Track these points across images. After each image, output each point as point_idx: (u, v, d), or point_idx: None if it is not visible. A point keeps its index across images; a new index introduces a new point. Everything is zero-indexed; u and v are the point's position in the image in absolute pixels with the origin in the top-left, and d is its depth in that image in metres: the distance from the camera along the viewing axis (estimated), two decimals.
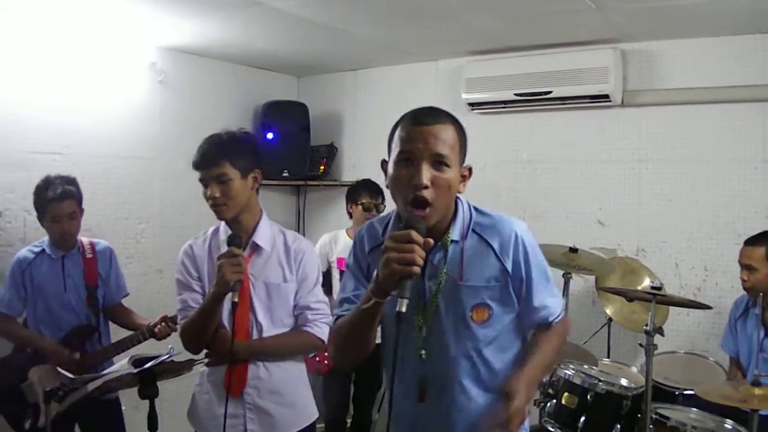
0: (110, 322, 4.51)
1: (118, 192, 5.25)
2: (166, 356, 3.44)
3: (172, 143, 5.64)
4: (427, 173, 2.16)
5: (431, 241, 2.07)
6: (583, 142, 5.50)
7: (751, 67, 4.82)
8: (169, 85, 5.61)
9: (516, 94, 5.46)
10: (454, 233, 2.35)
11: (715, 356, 4.60)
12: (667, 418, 3.81)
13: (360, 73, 6.62)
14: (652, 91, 5.19)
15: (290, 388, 3.30)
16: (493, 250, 2.35)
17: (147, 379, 3.45)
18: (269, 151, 6.26)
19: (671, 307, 4.61)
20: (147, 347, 4.18)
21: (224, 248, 3.16)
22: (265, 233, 3.27)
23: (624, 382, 4.16)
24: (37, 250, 4.27)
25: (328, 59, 6.16)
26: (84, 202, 4.29)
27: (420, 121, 2.23)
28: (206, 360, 3.34)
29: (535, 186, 5.72)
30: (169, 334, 4.28)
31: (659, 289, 4.14)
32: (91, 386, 3.66)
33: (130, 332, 4.35)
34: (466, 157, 2.36)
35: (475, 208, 2.44)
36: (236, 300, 2.91)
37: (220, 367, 3.22)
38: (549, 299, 2.45)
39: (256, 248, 3.24)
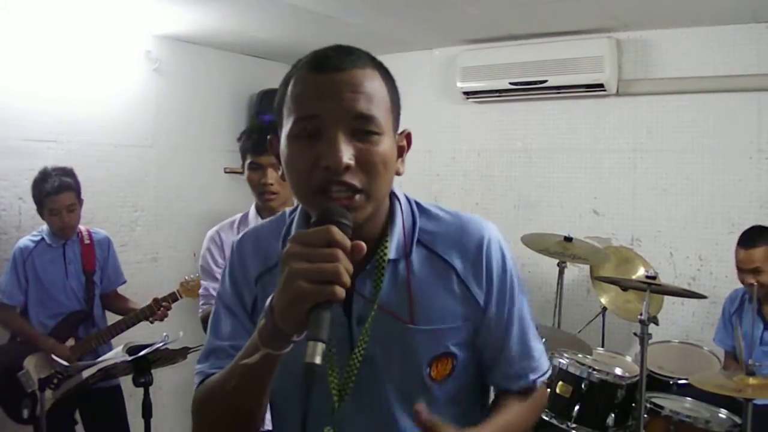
0: (106, 310, 4.55)
1: (112, 180, 5.23)
2: (161, 344, 3.46)
3: (167, 131, 5.62)
4: (346, 147, 1.37)
5: (363, 245, 1.28)
6: (578, 132, 5.50)
7: (746, 56, 4.82)
8: (164, 73, 5.58)
9: (511, 83, 5.45)
10: (391, 247, 1.55)
11: (709, 346, 4.62)
12: (662, 407, 3.82)
13: None
14: (648, 80, 5.18)
15: None
16: (456, 272, 1.58)
17: (142, 367, 3.47)
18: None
19: (666, 297, 4.62)
20: (142, 336, 4.18)
21: None
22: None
23: (618, 371, 4.17)
24: (36, 239, 4.29)
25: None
26: None
27: (326, 67, 1.44)
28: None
29: (530, 175, 5.72)
30: (165, 316, 4.30)
31: (654, 278, 4.15)
32: (86, 374, 3.68)
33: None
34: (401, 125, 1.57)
35: (418, 205, 1.65)
36: None
37: None
38: (534, 343, 1.71)
39: None
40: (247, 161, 3.20)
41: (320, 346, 1.16)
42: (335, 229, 1.24)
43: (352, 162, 1.37)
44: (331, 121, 1.38)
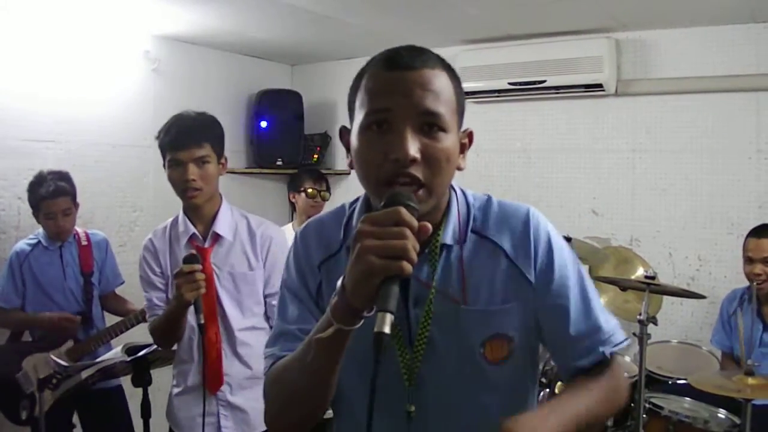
0: (105, 311, 4.55)
1: (111, 180, 5.24)
2: None
3: None
4: (413, 141, 1.45)
5: (429, 226, 1.34)
6: (577, 132, 5.50)
7: (744, 56, 4.82)
8: (163, 73, 5.59)
9: (510, 83, 5.45)
10: (446, 235, 1.62)
11: (708, 346, 4.62)
12: (661, 407, 3.82)
13: (354, 61, 6.52)
14: (646, 80, 5.18)
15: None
16: (505, 253, 1.63)
17: (140, 367, 3.46)
18: (263, 139, 6.28)
19: (665, 297, 4.61)
20: (141, 336, 4.18)
21: (184, 240, 3.12)
22: (226, 221, 3.14)
23: None
24: (33, 242, 4.29)
25: (322, 48, 6.15)
26: (77, 191, 4.30)
27: (398, 65, 1.51)
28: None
29: (529, 175, 5.72)
30: None
31: (653, 278, 4.15)
32: (85, 374, 3.68)
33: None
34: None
35: (473, 196, 1.73)
36: (202, 322, 2.81)
37: (196, 367, 3.14)
38: (601, 315, 1.68)
39: (218, 238, 3.11)
40: (167, 158, 3.03)
41: (389, 317, 1.23)
42: (404, 210, 1.31)
43: (418, 156, 1.45)
44: (401, 116, 1.47)
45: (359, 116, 1.53)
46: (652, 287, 4.00)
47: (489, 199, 1.73)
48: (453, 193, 1.69)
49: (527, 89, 5.43)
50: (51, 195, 4.09)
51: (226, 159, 3.18)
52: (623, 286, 4.64)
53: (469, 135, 1.69)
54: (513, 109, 5.75)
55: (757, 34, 4.78)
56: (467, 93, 5.79)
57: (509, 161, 5.80)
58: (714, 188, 4.96)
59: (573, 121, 5.51)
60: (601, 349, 1.65)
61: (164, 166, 3.06)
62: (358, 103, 1.56)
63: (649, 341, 3.92)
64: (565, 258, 1.66)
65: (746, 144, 4.84)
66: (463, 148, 1.65)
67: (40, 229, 4.29)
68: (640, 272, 4.68)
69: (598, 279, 4.72)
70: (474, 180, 5.88)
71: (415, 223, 1.31)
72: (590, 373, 1.66)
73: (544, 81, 5.30)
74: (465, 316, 1.59)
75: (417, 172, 1.46)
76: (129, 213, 5.41)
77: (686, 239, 5.08)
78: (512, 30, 5.33)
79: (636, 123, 5.26)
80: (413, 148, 1.44)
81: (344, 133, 1.64)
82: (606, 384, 1.65)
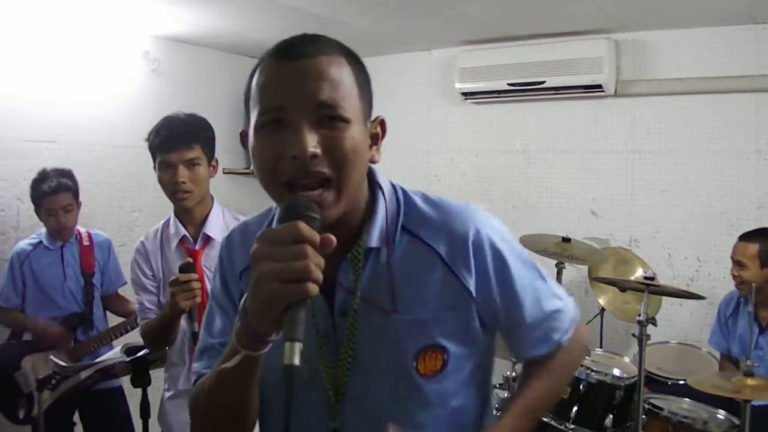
0: (107, 311, 4.55)
1: (111, 181, 5.24)
2: None
3: None
4: (311, 136, 1.32)
5: (333, 238, 1.22)
6: (577, 133, 5.50)
7: (744, 57, 4.82)
8: (162, 74, 5.58)
9: (509, 84, 5.45)
10: (371, 237, 1.48)
11: (707, 347, 4.62)
12: (660, 408, 3.82)
13: None
14: (646, 81, 5.18)
15: None
16: (441, 258, 1.48)
17: (140, 368, 3.46)
18: None
19: (664, 298, 4.62)
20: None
21: (174, 242, 3.10)
22: (217, 223, 3.11)
23: (616, 372, 4.17)
24: (34, 241, 4.29)
25: None
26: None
27: (289, 55, 1.38)
28: None
29: (528, 176, 5.72)
30: None
31: (652, 279, 4.15)
32: (84, 374, 3.68)
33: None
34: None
35: (404, 191, 1.58)
36: (197, 330, 2.75)
37: (187, 371, 3.10)
38: (551, 304, 1.63)
39: (208, 240, 3.09)
40: (157, 160, 3.01)
41: (297, 347, 1.12)
42: (302, 225, 1.19)
43: (317, 150, 1.32)
44: (295, 111, 1.33)
45: (253, 117, 1.40)
46: (651, 288, 4.00)
47: (425, 196, 1.58)
48: (379, 190, 1.54)
49: (527, 90, 5.43)
50: (52, 191, 4.11)
51: (216, 161, 3.16)
52: (622, 287, 4.64)
53: (381, 123, 1.51)
54: (512, 109, 5.74)
55: (756, 35, 4.78)
56: (467, 94, 5.85)
57: (509, 162, 5.80)
58: (713, 189, 4.96)
59: (572, 122, 5.51)
60: (555, 337, 1.63)
61: (154, 168, 3.05)
62: (252, 103, 1.43)
63: (648, 342, 3.91)
64: (509, 260, 1.53)
65: (746, 144, 4.84)
66: (376, 139, 1.50)
67: (43, 229, 4.30)
68: (639, 273, 4.69)
69: (597, 280, 4.73)
70: (474, 180, 5.89)
71: (316, 237, 1.19)
72: (544, 358, 1.65)
73: (543, 82, 5.30)
74: (396, 326, 1.47)
75: (320, 167, 1.33)
76: (129, 213, 5.41)
77: (685, 240, 5.07)
78: (512, 30, 5.33)
79: (635, 124, 5.26)
80: (311, 143, 1.31)
81: (244, 137, 1.49)
82: (555, 365, 1.66)
